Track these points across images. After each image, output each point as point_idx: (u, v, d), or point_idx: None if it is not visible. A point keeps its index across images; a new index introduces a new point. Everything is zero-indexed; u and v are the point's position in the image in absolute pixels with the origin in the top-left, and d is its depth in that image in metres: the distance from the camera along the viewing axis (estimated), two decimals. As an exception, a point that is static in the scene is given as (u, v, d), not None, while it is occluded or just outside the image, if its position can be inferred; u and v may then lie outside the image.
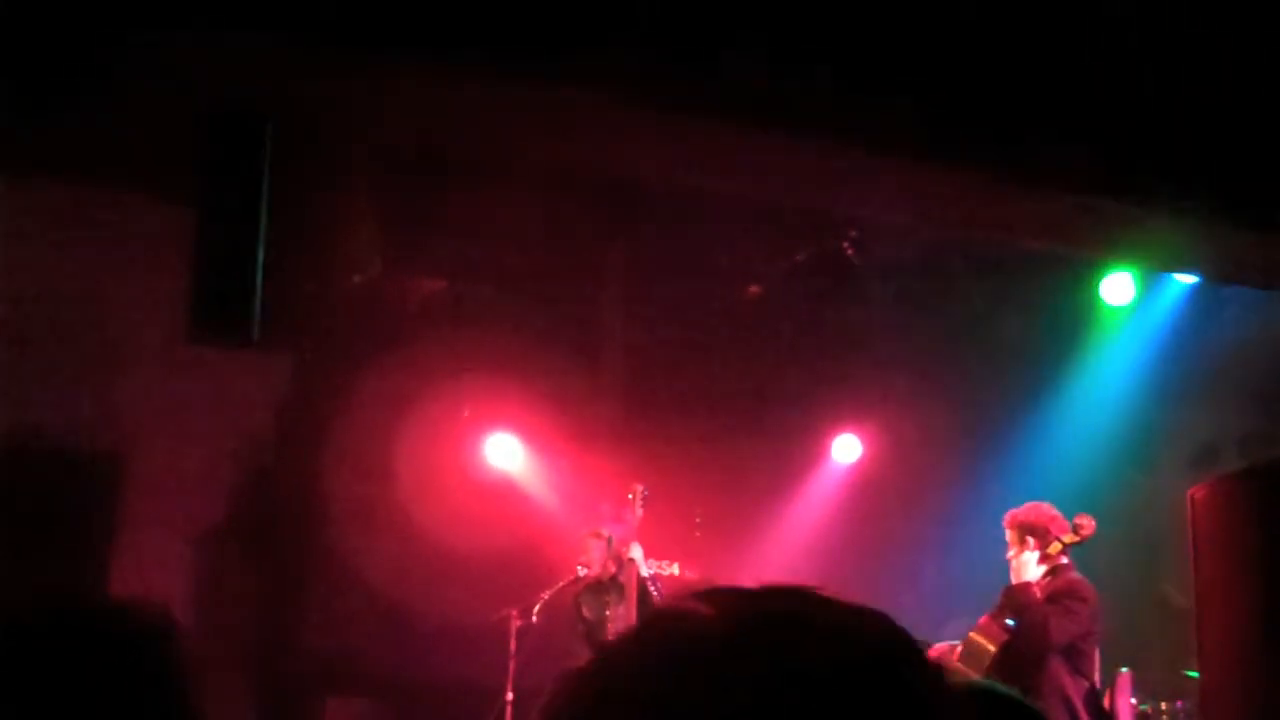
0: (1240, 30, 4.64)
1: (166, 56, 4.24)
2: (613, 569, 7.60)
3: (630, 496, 7.51)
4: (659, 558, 7.80)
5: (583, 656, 6.81)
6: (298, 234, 6.36)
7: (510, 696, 7.44)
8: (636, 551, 7.45)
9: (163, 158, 5.51)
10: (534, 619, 7.54)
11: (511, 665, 7.49)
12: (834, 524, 9.29)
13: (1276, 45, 4.65)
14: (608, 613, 7.54)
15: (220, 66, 4.33)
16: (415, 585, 7.96)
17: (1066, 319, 8.70)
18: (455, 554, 8.00)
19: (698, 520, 8.93)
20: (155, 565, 7.22)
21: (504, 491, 8.82)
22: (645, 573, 7.44)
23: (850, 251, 8.24)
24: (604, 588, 7.64)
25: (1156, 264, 7.06)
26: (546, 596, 7.61)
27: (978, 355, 8.73)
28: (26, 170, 5.99)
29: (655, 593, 7.43)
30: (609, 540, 7.63)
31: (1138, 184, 4.72)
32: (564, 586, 7.70)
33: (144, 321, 7.02)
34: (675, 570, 7.92)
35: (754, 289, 8.81)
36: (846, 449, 9.48)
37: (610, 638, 7.38)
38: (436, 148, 6.51)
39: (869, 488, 9.35)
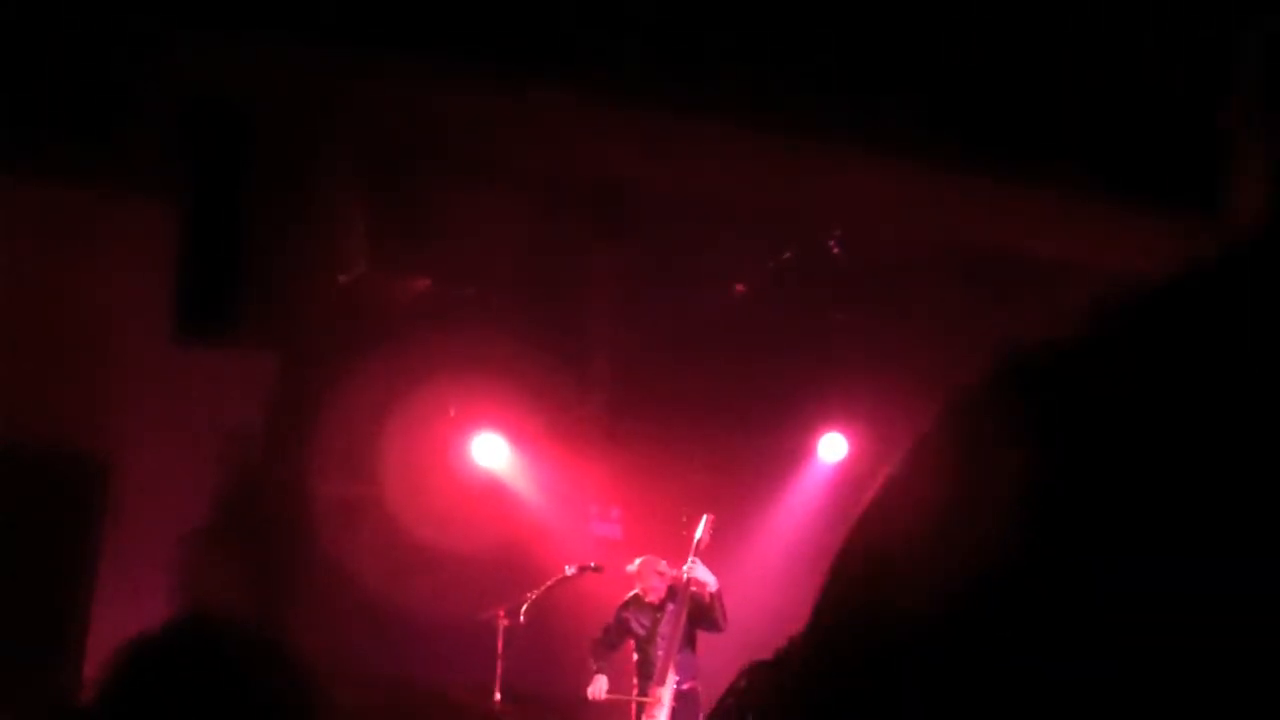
0: (1226, 41, 4.66)
1: (154, 57, 4.23)
2: (664, 595, 7.75)
3: (699, 524, 7.74)
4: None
5: (628, 661, 6.91)
6: (283, 234, 6.34)
7: (498, 697, 7.44)
8: (701, 571, 7.59)
9: (150, 158, 5.48)
10: (521, 619, 7.54)
11: (499, 666, 7.48)
12: (819, 522, 9.29)
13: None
14: (660, 628, 7.68)
15: (207, 68, 4.32)
16: (402, 585, 7.94)
17: (1052, 319, 8.69)
18: (442, 554, 7.99)
19: (684, 519, 8.93)
20: (141, 565, 7.21)
21: (490, 491, 8.81)
22: (714, 587, 7.60)
23: (836, 250, 8.24)
24: (656, 607, 7.76)
25: (1142, 268, 7.07)
26: (533, 597, 7.61)
27: (963, 353, 8.72)
28: (9, 168, 5.96)
29: (717, 609, 7.57)
30: (668, 575, 7.78)
31: (1124, 188, 4.74)
32: (551, 586, 7.71)
33: (130, 320, 6.99)
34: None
35: (740, 288, 8.80)
36: (832, 448, 9.48)
37: (659, 649, 7.46)
38: (423, 147, 6.50)
39: (855, 486, 9.35)
